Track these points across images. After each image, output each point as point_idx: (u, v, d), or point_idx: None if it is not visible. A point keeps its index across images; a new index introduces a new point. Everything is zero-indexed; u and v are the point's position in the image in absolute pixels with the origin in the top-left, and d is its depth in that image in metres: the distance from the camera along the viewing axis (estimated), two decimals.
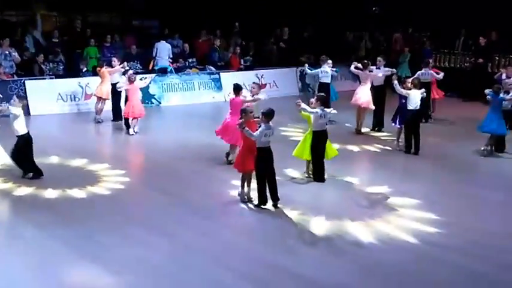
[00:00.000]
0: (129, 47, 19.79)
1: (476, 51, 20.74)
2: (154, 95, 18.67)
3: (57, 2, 21.83)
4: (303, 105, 10.98)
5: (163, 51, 19.16)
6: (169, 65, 19.25)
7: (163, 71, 19.16)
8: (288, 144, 13.41)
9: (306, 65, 17.43)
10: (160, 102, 18.75)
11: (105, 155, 12.81)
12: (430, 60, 18.05)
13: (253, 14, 23.66)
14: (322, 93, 12.03)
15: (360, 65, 15.27)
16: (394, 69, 15.24)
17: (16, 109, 10.56)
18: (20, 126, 10.58)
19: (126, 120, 14.47)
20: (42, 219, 9.05)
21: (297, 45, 22.47)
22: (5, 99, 15.93)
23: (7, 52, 17.07)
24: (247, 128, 9.39)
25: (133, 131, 14.27)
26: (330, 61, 16.11)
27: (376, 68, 15.21)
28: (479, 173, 12.61)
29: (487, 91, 13.32)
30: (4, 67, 16.79)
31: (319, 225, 9.14)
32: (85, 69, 18.02)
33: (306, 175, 11.37)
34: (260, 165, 9.53)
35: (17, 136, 10.60)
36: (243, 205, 9.86)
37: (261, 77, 20.62)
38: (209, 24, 21.98)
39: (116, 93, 15.40)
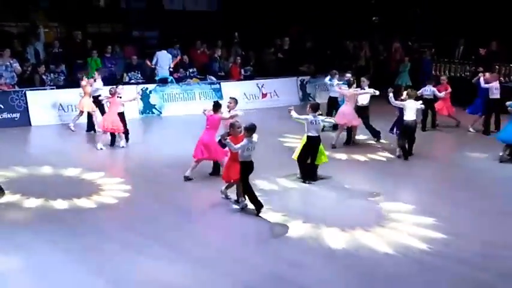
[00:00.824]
0: (129, 57, 19.82)
1: (476, 60, 20.78)
2: (154, 104, 18.69)
3: (58, 13, 21.90)
4: (293, 113, 11.64)
5: (164, 60, 19.17)
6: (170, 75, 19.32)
7: (163, 81, 19.18)
8: (288, 153, 13.44)
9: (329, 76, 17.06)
10: (160, 112, 18.77)
11: (107, 165, 12.78)
12: (439, 77, 18.25)
13: (254, 24, 23.75)
14: (316, 101, 12.28)
15: (342, 86, 15.42)
16: (377, 91, 14.76)
17: None
18: None
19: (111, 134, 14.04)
20: (48, 231, 9.01)
21: (298, 55, 22.52)
22: (6, 110, 16.01)
23: (8, 63, 17.10)
24: (228, 140, 9.78)
25: (121, 144, 14.01)
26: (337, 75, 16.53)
27: (361, 89, 14.93)
28: (486, 180, 12.54)
29: (508, 103, 13.49)
30: (5, 78, 16.81)
31: (322, 236, 9.11)
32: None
33: (299, 176, 11.82)
34: (244, 178, 9.87)
35: None
36: (246, 216, 9.85)
37: (262, 86, 20.67)
38: (210, 35, 22.05)
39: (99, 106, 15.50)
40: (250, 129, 9.83)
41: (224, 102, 12.66)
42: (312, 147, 11.59)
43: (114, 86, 14.12)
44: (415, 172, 12.90)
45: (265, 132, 12.32)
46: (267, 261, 8.25)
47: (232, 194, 10.46)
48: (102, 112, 15.24)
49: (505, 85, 18.13)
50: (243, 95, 19.65)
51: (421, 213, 10.11)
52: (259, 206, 9.92)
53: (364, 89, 14.90)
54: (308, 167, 11.65)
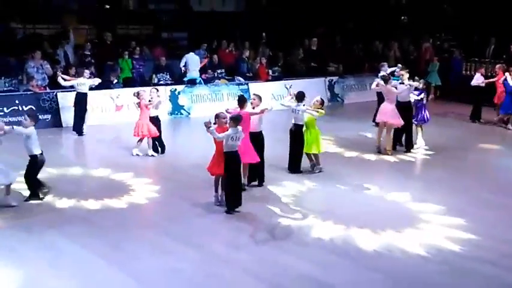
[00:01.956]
0: (158, 58, 19.97)
1: (508, 59, 20.48)
2: (183, 106, 18.80)
3: (88, 15, 22.19)
4: (285, 100, 12.32)
5: (193, 62, 19.28)
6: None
7: (192, 82, 19.28)
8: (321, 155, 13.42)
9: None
10: (189, 113, 18.86)
11: (136, 166, 12.88)
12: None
13: (281, 25, 23.75)
14: (302, 91, 12.20)
15: (381, 82, 14.12)
16: (416, 83, 14.27)
17: (27, 129, 10.08)
18: (33, 146, 10.15)
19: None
20: (74, 230, 9.15)
21: (326, 55, 22.45)
22: (37, 112, 16.21)
23: (39, 65, 17.37)
24: (212, 128, 9.60)
25: (134, 152, 13.52)
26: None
27: (400, 83, 14.16)
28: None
29: None
30: (37, 79, 17.06)
31: (348, 237, 9.08)
32: (115, 81, 18.24)
33: (311, 169, 12.17)
34: (227, 169, 9.75)
35: (29, 156, 10.25)
36: (274, 216, 9.85)
37: (290, 87, 20.59)
38: (238, 36, 22.11)
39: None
40: (236, 119, 9.79)
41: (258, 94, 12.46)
42: (291, 134, 11.78)
43: (137, 92, 13.68)
44: (443, 172, 12.75)
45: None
46: (293, 261, 8.24)
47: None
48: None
49: None
50: (271, 96, 19.64)
51: (451, 214, 10.01)
52: (234, 205, 9.80)
53: (403, 84, 14.06)
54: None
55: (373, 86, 14.70)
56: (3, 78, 17.35)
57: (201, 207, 10.22)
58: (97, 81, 15.90)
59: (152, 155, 13.45)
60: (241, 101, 10.92)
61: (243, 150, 10.27)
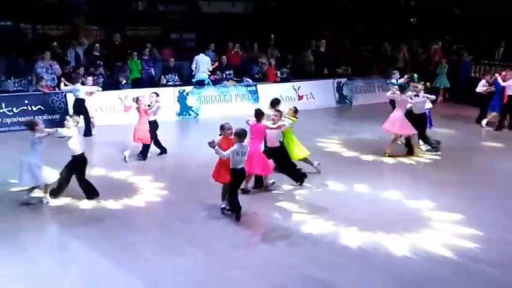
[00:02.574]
0: (167, 59, 20.03)
1: None
2: (191, 107, 18.83)
3: (97, 16, 22.27)
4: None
5: (203, 64, 19.35)
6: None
7: (200, 83, 19.32)
8: (325, 156, 13.43)
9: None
10: (197, 114, 18.89)
11: (144, 167, 12.90)
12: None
13: (290, 26, 23.76)
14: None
15: (397, 91, 14.01)
16: (433, 96, 14.38)
17: (69, 130, 10.36)
18: (75, 146, 10.36)
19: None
20: (83, 231, 9.18)
21: (335, 57, 22.44)
22: (47, 112, 16.29)
23: (49, 65, 17.45)
24: (217, 147, 9.38)
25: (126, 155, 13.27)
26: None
27: (415, 96, 13.96)
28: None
29: None
30: (46, 80, 17.15)
31: (355, 238, 9.07)
32: (124, 81, 18.30)
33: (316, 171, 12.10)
34: (233, 187, 9.65)
35: (72, 156, 10.45)
36: (279, 218, 9.85)
37: (298, 88, 20.63)
38: (248, 37, 22.14)
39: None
40: (241, 134, 9.51)
41: (259, 105, 12.55)
42: (271, 156, 11.37)
43: (136, 97, 13.43)
44: (449, 174, 12.72)
45: (301, 134, 12.30)
46: (298, 262, 8.25)
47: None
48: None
49: None
50: (279, 97, 19.57)
51: (458, 218, 9.98)
52: (237, 216, 9.63)
53: (418, 96, 13.87)
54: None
55: (389, 93, 14.58)
56: (12, 78, 17.49)
57: (209, 207, 10.23)
58: (95, 88, 15.61)
59: (128, 160, 13.14)
60: (258, 115, 10.86)
61: (257, 161, 10.43)
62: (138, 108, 13.29)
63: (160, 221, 9.84)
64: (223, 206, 10.02)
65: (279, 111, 11.39)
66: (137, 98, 13.36)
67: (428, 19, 25.06)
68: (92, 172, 12.20)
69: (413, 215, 10.17)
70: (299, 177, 11.58)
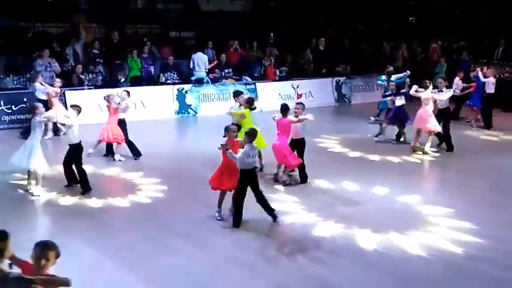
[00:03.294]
0: (166, 57, 20.03)
1: None
2: (190, 105, 18.84)
3: (96, 14, 22.25)
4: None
5: (200, 62, 19.35)
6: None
7: (199, 82, 19.32)
8: (322, 154, 13.44)
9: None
10: (196, 112, 18.90)
11: (143, 165, 12.90)
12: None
13: (289, 25, 23.75)
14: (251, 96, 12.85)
15: (420, 89, 14.17)
16: (457, 90, 14.78)
17: (70, 119, 10.72)
18: (74, 135, 10.68)
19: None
20: (82, 228, 9.19)
21: (334, 56, 22.43)
22: (46, 109, 16.24)
23: (48, 63, 17.43)
24: (230, 150, 9.07)
25: (116, 158, 13.09)
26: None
27: (439, 91, 14.13)
28: None
29: None
30: (45, 78, 17.10)
31: (356, 238, 9.08)
32: (123, 79, 18.28)
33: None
34: (242, 188, 9.21)
35: (69, 145, 10.77)
36: (279, 216, 9.86)
37: (297, 87, 20.63)
38: (246, 36, 22.13)
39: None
40: (251, 134, 9.24)
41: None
42: None
43: (107, 95, 13.23)
44: (449, 173, 12.75)
45: None
46: (299, 261, 8.26)
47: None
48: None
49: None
50: (278, 96, 19.67)
51: (457, 216, 9.98)
52: (237, 222, 9.33)
53: (442, 91, 14.12)
54: None
55: (412, 91, 14.46)
56: (11, 76, 17.48)
57: (209, 206, 10.21)
58: (50, 89, 14.91)
59: (119, 160, 13.02)
60: (284, 109, 11.19)
61: (287, 154, 11.01)
62: (108, 107, 13.12)
63: (159, 219, 9.84)
64: (218, 217, 9.60)
65: (301, 104, 11.62)
66: (108, 96, 13.18)
67: (428, 18, 25.07)
68: (91, 171, 12.23)
69: (412, 214, 10.16)
70: (303, 176, 11.67)
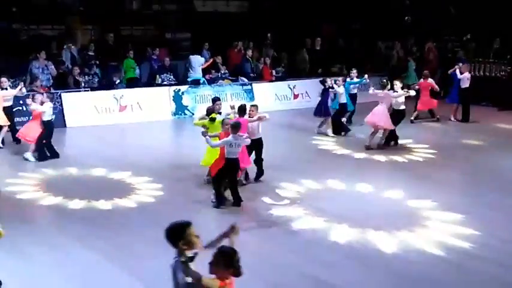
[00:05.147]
0: (162, 59, 20.01)
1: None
2: (187, 106, 18.83)
3: (92, 16, 22.20)
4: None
5: (196, 64, 19.35)
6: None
7: (196, 83, 19.32)
8: (319, 154, 13.45)
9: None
10: (193, 114, 18.86)
11: (140, 165, 12.89)
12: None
13: (285, 25, 23.73)
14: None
15: (377, 91, 14.75)
16: (412, 91, 15.23)
17: (42, 106, 12.53)
18: (46, 115, 12.61)
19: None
20: (80, 231, 9.19)
21: (329, 56, 22.44)
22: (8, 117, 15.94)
23: (44, 65, 17.40)
24: (207, 137, 10.22)
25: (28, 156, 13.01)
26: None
27: (394, 91, 14.54)
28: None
29: None
30: (41, 80, 17.08)
31: (351, 236, 9.11)
32: (118, 81, 18.29)
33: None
34: (223, 173, 10.14)
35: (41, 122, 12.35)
36: (277, 216, 9.85)
37: (293, 87, 20.63)
38: (242, 36, 22.12)
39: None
40: (235, 126, 10.15)
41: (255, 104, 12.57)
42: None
43: (33, 94, 13.40)
44: (445, 172, 12.76)
45: (297, 133, 12.33)
46: (299, 262, 8.27)
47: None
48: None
49: None
50: (275, 96, 19.67)
51: (456, 216, 10.00)
52: (218, 203, 10.15)
53: (397, 92, 14.48)
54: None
55: (370, 90, 15.11)
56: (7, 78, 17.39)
57: (205, 206, 10.25)
58: (12, 92, 14.43)
59: (27, 159, 12.90)
60: (240, 110, 11.50)
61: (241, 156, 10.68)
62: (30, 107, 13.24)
63: (157, 220, 9.79)
64: (213, 200, 10.28)
65: (255, 105, 11.84)
66: (33, 96, 13.37)
67: (423, 17, 25.07)
68: (88, 172, 12.23)
69: (411, 214, 10.18)
70: (260, 174, 11.73)
